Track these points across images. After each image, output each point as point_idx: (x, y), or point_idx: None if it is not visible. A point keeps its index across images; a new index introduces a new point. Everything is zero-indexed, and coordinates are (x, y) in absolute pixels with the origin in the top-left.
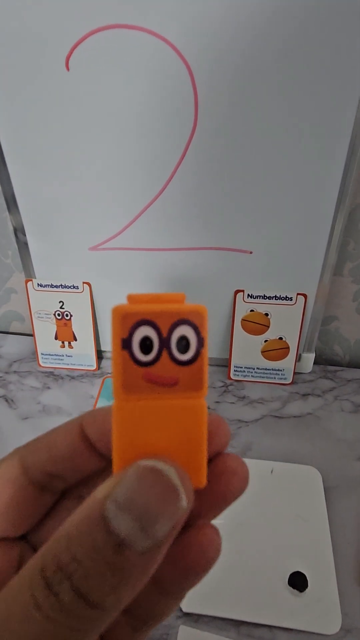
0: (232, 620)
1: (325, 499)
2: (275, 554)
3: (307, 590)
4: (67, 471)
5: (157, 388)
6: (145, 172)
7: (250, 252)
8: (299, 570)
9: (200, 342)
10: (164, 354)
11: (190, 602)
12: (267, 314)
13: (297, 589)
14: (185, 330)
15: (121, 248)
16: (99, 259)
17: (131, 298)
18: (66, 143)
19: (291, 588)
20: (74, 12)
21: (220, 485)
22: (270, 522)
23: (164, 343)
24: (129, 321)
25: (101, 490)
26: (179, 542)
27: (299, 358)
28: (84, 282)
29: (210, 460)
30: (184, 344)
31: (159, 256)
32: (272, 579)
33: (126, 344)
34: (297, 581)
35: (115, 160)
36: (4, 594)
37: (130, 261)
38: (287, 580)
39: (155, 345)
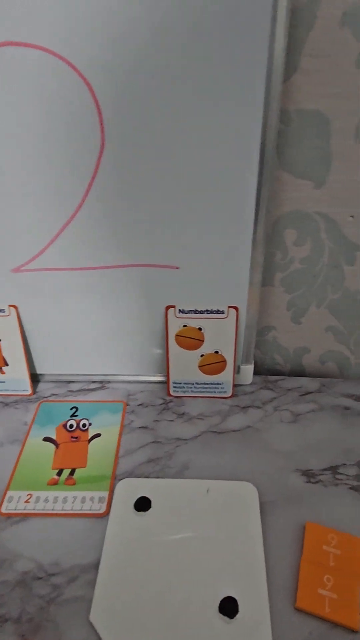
0: None
1: (262, 514)
2: (207, 580)
3: (237, 616)
4: None
5: None
6: (57, 193)
7: (177, 268)
8: (231, 595)
9: None
10: None
11: (115, 636)
12: (200, 329)
13: (227, 616)
14: None
15: (46, 269)
16: (25, 281)
17: None
18: None
19: (221, 615)
20: None
21: None
22: (202, 546)
23: None
24: None
25: None
26: None
27: (237, 370)
28: (10, 305)
29: None
30: None
31: (85, 275)
32: (202, 607)
33: None
34: (228, 607)
35: (25, 180)
36: None
37: (57, 281)
38: (217, 607)
39: None
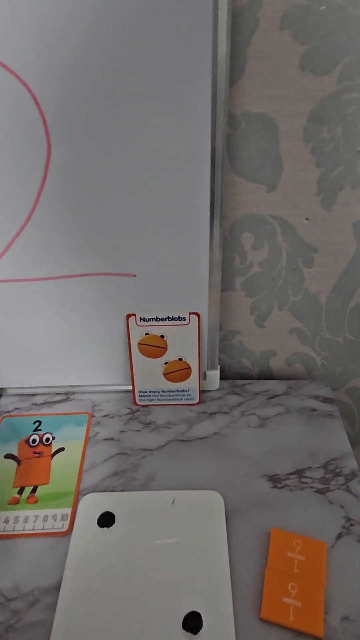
0: None
1: (228, 523)
2: (171, 595)
3: (201, 631)
4: None
5: None
6: (5, 203)
7: (134, 275)
8: (195, 609)
9: None
10: None
11: None
12: (162, 336)
13: (191, 632)
14: None
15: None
16: None
17: None
18: None
19: (185, 631)
20: None
21: None
22: (167, 560)
23: None
24: None
25: None
26: None
27: (204, 376)
28: None
29: None
30: None
31: (41, 286)
32: (165, 624)
33: None
34: (191, 623)
35: None
36: None
37: (12, 293)
38: (181, 623)
39: None
